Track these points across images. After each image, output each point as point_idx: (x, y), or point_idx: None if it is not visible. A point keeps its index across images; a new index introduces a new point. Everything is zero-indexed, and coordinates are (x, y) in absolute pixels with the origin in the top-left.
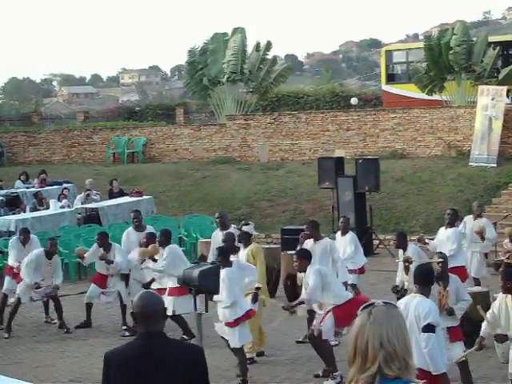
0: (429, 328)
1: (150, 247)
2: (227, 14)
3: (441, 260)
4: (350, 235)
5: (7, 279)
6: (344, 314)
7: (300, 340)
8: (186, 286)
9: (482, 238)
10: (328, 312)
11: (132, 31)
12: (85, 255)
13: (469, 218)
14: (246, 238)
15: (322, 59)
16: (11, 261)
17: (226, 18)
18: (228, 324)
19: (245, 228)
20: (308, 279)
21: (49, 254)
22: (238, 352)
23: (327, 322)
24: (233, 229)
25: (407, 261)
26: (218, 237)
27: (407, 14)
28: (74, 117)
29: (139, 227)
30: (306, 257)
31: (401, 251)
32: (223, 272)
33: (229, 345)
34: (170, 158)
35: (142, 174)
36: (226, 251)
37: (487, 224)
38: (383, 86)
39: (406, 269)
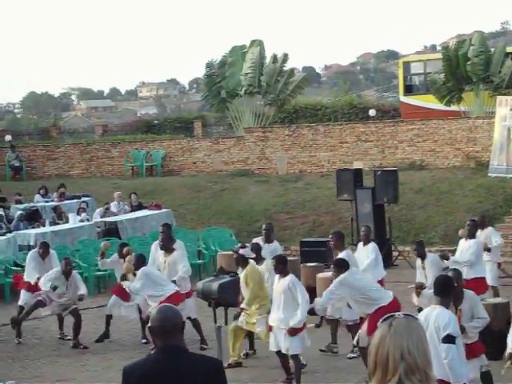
0: (449, 339)
1: (125, 264)
2: (245, 26)
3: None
4: (372, 245)
5: (23, 292)
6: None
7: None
8: (204, 299)
9: (488, 250)
10: (365, 320)
11: (150, 45)
12: (105, 254)
13: None
14: (243, 261)
15: (339, 71)
16: (29, 275)
17: (244, 30)
18: (290, 332)
19: (242, 251)
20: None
21: (65, 274)
22: (287, 358)
23: (362, 332)
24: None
25: (420, 287)
26: None
27: (425, 25)
28: (93, 130)
29: None
30: (342, 266)
31: (419, 260)
32: (289, 278)
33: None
34: (188, 170)
35: (160, 187)
36: (286, 260)
37: (492, 232)
38: (401, 98)
39: (418, 294)
